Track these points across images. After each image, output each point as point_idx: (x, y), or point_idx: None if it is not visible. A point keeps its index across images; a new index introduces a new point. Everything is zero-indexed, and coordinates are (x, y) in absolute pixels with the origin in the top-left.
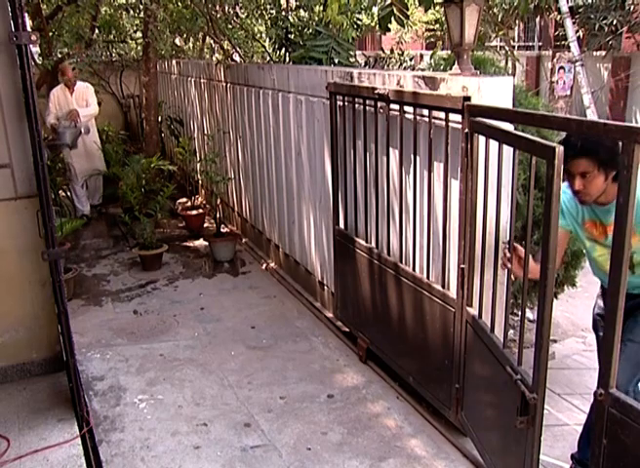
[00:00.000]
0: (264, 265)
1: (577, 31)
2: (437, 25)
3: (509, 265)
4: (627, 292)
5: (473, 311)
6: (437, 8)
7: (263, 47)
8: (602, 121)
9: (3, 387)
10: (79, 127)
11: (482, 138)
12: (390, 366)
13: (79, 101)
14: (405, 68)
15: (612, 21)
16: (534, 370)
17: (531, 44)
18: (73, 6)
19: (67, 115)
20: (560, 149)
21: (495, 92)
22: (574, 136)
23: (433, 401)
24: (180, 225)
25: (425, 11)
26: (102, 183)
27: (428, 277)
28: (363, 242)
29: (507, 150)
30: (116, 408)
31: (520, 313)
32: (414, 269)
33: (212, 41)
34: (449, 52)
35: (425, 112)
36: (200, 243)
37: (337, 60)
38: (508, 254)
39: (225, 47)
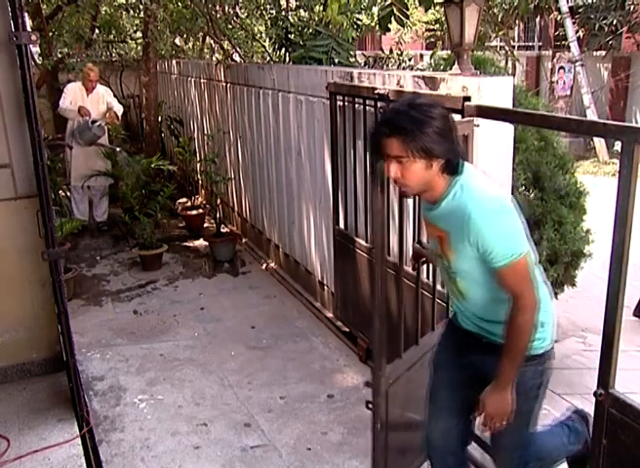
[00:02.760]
0: (264, 265)
1: (577, 31)
2: (437, 25)
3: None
4: (466, 329)
5: None
6: (437, 8)
7: (263, 47)
8: (602, 121)
9: (3, 387)
10: (104, 130)
11: (482, 138)
12: None
13: (94, 103)
14: (404, 68)
15: (612, 21)
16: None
17: (531, 44)
18: (73, 6)
19: (104, 115)
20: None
21: (495, 92)
22: (388, 110)
23: None
24: (180, 225)
25: (425, 11)
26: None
27: (428, 277)
28: (363, 242)
29: (506, 150)
30: (116, 408)
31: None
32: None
33: (212, 41)
34: (449, 52)
35: None
36: (200, 243)
37: (337, 60)
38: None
39: (225, 47)
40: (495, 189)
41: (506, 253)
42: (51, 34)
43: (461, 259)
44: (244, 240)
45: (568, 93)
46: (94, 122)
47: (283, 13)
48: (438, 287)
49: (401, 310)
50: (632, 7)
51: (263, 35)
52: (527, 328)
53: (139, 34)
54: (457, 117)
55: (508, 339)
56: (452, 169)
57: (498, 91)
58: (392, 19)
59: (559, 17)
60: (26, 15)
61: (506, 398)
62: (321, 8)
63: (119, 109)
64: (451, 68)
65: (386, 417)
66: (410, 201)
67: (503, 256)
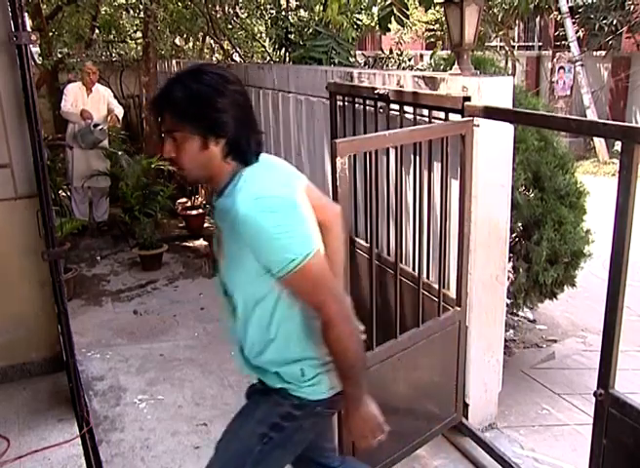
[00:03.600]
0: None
1: (577, 31)
2: (437, 25)
3: None
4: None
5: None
6: (437, 8)
7: (263, 47)
8: (602, 121)
9: (3, 387)
10: (106, 133)
11: (482, 138)
12: None
13: (94, 104)
14: (404, 68)
15: (612, 21)
16: None
17: (531, 44)
18: (73, 6)
19: (107, 117)
20: None
21: (495, 92)
22: (168, 79)
23: None
24: (180, 225)
25: (425, 11)
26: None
27: (428, 277)
28: (363, 242)
29: (506, 150)
30: (116, 408)
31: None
32: (413, 269)
33: (212, 41)
34: (449, 52)
35: (425, 112)
36: (200, 243)
37: (337, 60)
38: None
39: (225, 47)
40: (276, 185)
41: (287, 256)
42: (51, 34)
43: (234, 269)
44: None
45: (568, 93)
46: (96, 125)
47: (283, 13)
48: (424, 278)
49: (379, 303)
50: (632, 7)
51: (263, 35)
52: (345, 340)
53: (139, 34)
54: (457, 117)
55: (335, 363)
56: (238, 155)
57: (498, 91)
58: (392, 18)
59: (559, 17)
60: (26, 15)
61: (364, 414)
62: (321, 8)
63: (120, 112)
64: (451, 68)
65: None
66: (410, 201)
67: (284, 261)
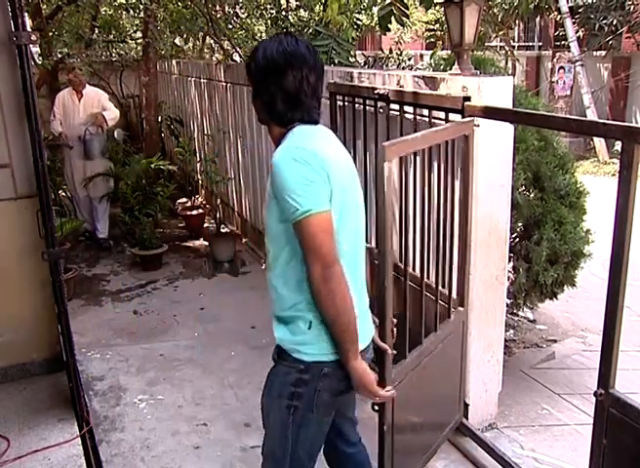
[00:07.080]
0: (264, 265)
1: (577, 31)
2: (437, 25)
3: None
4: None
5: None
6: (437, 8)
7: None
8: (602, 121)
9: (3, 387)
10: (106, 133)
11: (482, 138)
12: None
13: (87, 108)
14: (404, 68)
15: (612, 21)
16: None
17: (531, 44)
18: (73, 6)
19: (93, 120)
20: None
21: (495, 92)
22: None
23: None
24: (180, 225)
25: (426, 11)
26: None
27: (428, 277)
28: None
29: (506, 150)
30: (116, 408)
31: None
32: (414, 269)
33: (212, 41)
34: (449, 52)
35: (425, 112)
36: (200, 243)
37: (337, 60)
38: None
39: (225, 47)
40: (322, 143)
41: (295, 205)
42: (51, 34)
43: (267, 214)
44: (244, 240)
45: (568, 93)
46: (87, 134)
47: (283, 13)
48: (427, 280)
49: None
50: (632, 7)
51: (263, 35)
52: (330, 298)
53: (139, 34)
54: (457, 117)
55: (322, 315)
56: (276, 116)
57: (498, 91)
58: (392, 18)
59: (559, 17)
60: (26, 15)
61: (357, 370)
62: (321, 8)
63: (110, 114)
64: (451, 68)
65: (392, 419)
66: (410, 201)
67: (294, 208)
